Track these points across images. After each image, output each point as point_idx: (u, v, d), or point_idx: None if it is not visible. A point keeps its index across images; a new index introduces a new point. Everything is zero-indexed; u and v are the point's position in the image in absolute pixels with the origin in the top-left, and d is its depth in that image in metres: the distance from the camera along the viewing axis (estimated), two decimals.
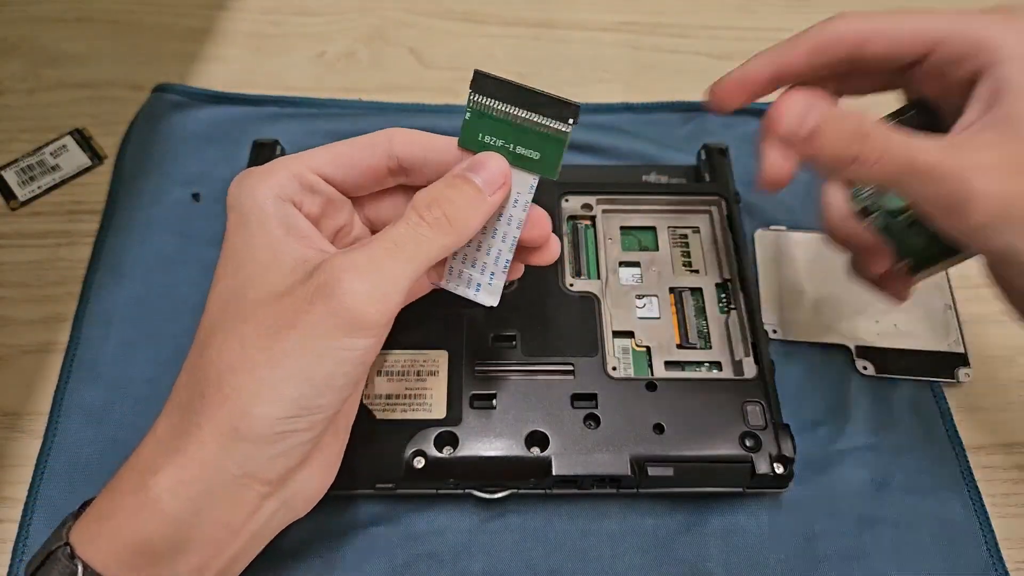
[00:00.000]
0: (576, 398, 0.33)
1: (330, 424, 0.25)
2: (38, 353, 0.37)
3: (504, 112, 0.26)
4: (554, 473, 0.31)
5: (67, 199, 0.42)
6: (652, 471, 0.31)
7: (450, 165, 0.26)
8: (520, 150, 0.26)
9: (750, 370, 0.34)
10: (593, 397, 0.33)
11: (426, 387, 0.33)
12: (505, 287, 0.28)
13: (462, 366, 0.33)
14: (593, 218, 0.38)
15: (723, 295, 0.36)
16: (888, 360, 0.37)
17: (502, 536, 0.33)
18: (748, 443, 0.31)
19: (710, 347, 0.35)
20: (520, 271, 0.30)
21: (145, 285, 0.39)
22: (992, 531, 0.34)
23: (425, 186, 0.26)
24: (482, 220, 0.26)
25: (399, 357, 0.33)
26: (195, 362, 0.25)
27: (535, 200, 0.27)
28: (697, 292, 0.37)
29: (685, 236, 0.38)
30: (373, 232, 0.30)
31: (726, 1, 0.53)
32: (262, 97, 0.46)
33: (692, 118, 0.46)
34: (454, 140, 0.27)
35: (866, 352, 0.38)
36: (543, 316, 0.35)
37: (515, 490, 0.33)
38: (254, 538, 0.25)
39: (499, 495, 0.33)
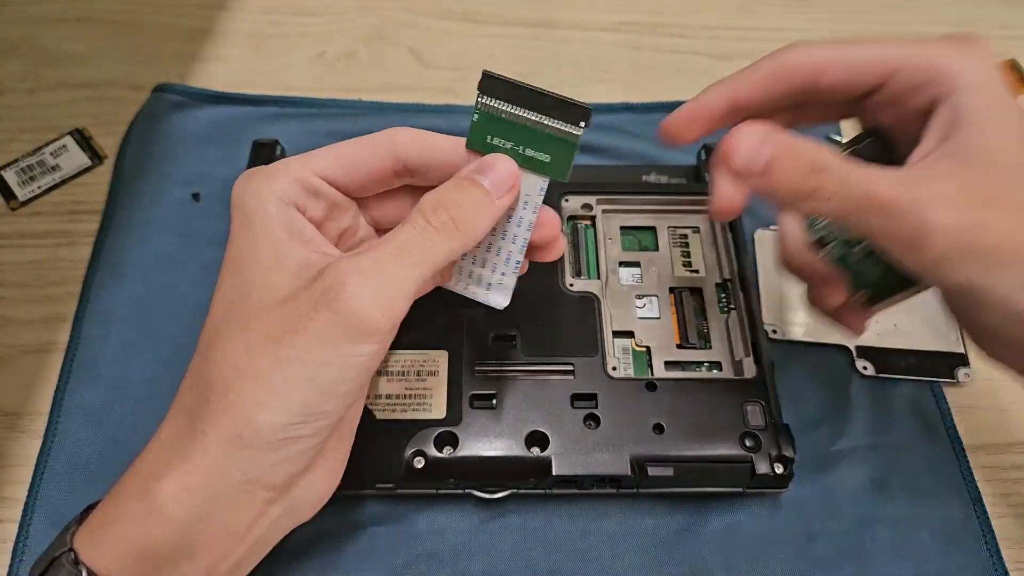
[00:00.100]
0: (576, 398, 0.33)
1: (335, 429, 0.25)
2: (38, 353, 0.37)
3: (513, 115, 0.25)
4: (554, 473, 0.31)
5: (67, 199, 0.42)
6: (652, 471, 0.31)
7: (457, 166, 0.26)
8: (530, 152, 0.26)
9: (750, 370, 0.34)
10: (593, 397, 0.33)
11: (426, 387, 0.33)
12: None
13: (462, 366, 0.33)
14: (593, 218, 0.38)
15: (723, 295, 0.36)
16: (888, 360, 0.37)
17: (502, 536, 0.33)
18: (748, 443, 0.31)
19: (710, 347, 0.35)
20: (525, 267, 0.30)
21: (145, 285, 0.39)
22: (992, 531, 0.34)
23: (432, 187, 0.26)
24: (490, 224, 0.25)
25: (399, 357, 0.33)
26: (199, 365, 0.24)
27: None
28: (697, 292, 0.37)
29: (685, 236, 0.38)
30: (379, 233, 0.30)
31: (726, 1, 0.53)
32: (262, 97, 0.46)
33: None
34: (460, 140, 0.26)
35: (866, 352, 0.38)
36: (543, 316, 0.35)
37: (515, 490, 0.33)
38: (259, 543, 0.25)
39: (499, 495, 0.33)
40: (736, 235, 0.37)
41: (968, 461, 0.35)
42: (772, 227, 0.41)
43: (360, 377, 0.24)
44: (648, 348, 0.35)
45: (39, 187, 0.42)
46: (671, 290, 0.37)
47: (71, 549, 0.23)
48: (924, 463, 0.35)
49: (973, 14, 0.52)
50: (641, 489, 0.32)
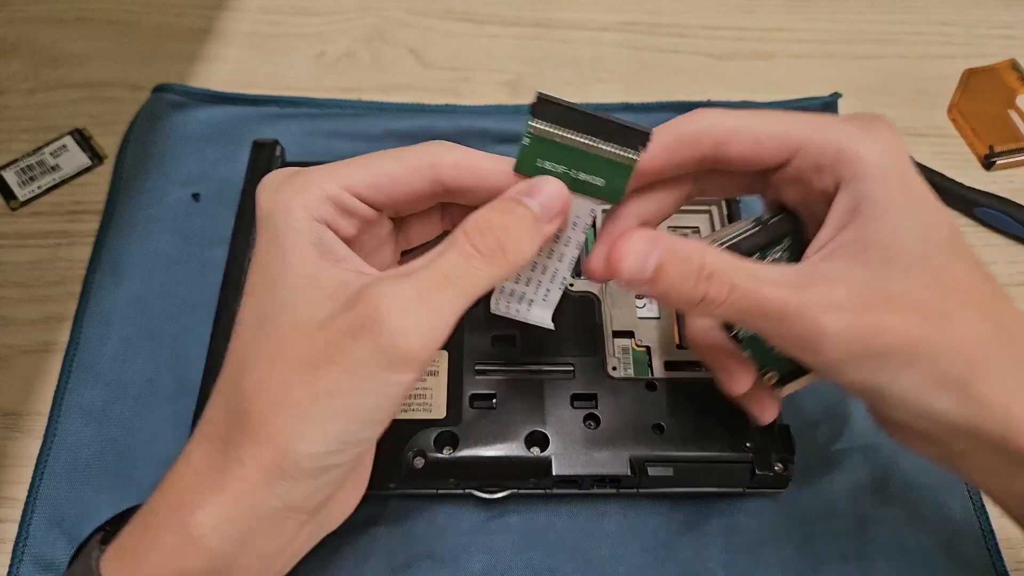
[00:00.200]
0: (576, 398, 0.33)
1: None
2: (38, 353, 0.37)
3: (568, 139, 0.24)
4: (554, 473, 0.31)
5: (67, 199, 0.42)
6: (652, 471, 0.31)
7: (501, 188, 0.25)
8: (583, 176, 0.24)
9: None
10: (593, 397, 0.33)
11: (426, 387, 0.33)
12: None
13: (462, 366, 0.33)
14: (593, 218, 0.38)
15: None
16: None
17: (502, 536, 0.33)
18: (748, 443, 0.31)
19: None
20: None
21: (145, 285, 0.39)
22: (992, 531, 0.34)
23: (469, 206, 0.25)
24: (536, 249, 0.24)
25: None
26: (231, 391, 0.23)
27: None
28: None
29: (685, 236, 0.38)
30: (404, 242, 0.29)
31: (726, 1, 0.53)
32: (262, 97, 0.46)
33: None
34: (506, 161, 0.25)
35: None
36: None
37: (515, 490, 0.33)
38: (289, 560, 0.25)
39: (499, 495, 0.33)
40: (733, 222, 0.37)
41: None
42: None
43: (397, 403, 0.23)
44: (648, 348, 0.35)
45: (39, 187, 0.42)
46: None
47: None
48: (924, 463, 0.35)
49: (973, 14, 0.52)
50: (641, 489, 0.32)
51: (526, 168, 0.24)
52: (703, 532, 0.33)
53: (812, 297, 0.23)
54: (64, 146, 0.44)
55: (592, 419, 0.32)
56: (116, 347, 0.37)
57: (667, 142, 0.25)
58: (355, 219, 0.25)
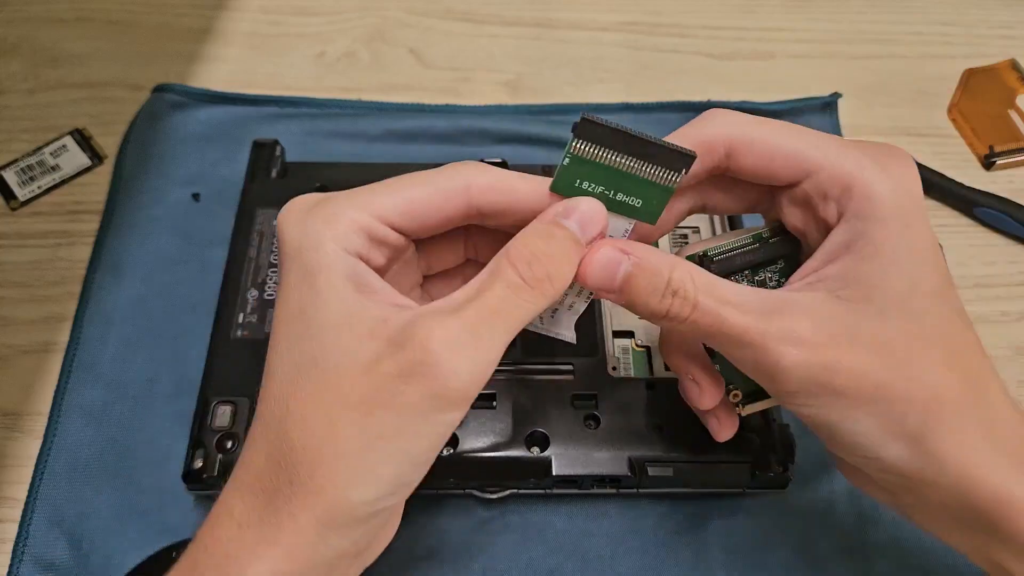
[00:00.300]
0: (576, 398, 0.33)
1: None
2: (38, 353, 0.37)
3: (610, 159, 0.23)
4: (554, 473, 0.31)
5: (67, 199, 0.42)
6: (652, 471, 0.31)
7: (537, 208, 0.24)
8: (621, 197, 0.24)
9: None
10: (593, 397, 0.33)
11: None
12: None
13: None
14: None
15: None
16: None
17: (502, 536, 0.33)
18: (748, 444, 0.31)
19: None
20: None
21: (145, 285, 0.39)
22: None
23: (501, 228, 0.24)
24: (575, 271, 0.23)
25: None
26: (274, 439, 0.22)
27: None
28: None
29: (685, 236, 0.38)
30: (422, 265, 0.28)
31: (726, 1, 0.53)
32: (262, 97, 0.46)
33: (692, 118, 0.46)
34: (541, 181, 0.24)
35: None
36: None
37: (515, 490, 0.33)
38: None
39: (499, 495, 0.33)
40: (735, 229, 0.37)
41: None
42: None
43: (445, 440, 0.22)
44: (648, 348, 0.35)
45: (39, 187, 0.42)
46: None
47: None
48: None
49: (973, 14, 0.52)
50: (641, 489, 0.32)
51: (563, 188, 0.24)
52: (703, 532, 0.33)
53: (773, 326, 0.22)
54: (64, 146, 0.44)
55: (592, 419, 0.32)
56: (116, 347, 0.37)
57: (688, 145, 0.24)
58: (386, 248, 0.24)
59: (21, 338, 0.38)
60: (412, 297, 0.26)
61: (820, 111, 0.47)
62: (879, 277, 0.23)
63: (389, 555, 0.32)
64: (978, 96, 0.47)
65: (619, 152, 0.23)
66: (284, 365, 0.22)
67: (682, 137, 0.25)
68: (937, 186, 0.44)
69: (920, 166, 0.44)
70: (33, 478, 0.34)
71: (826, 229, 0.24)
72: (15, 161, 0.43)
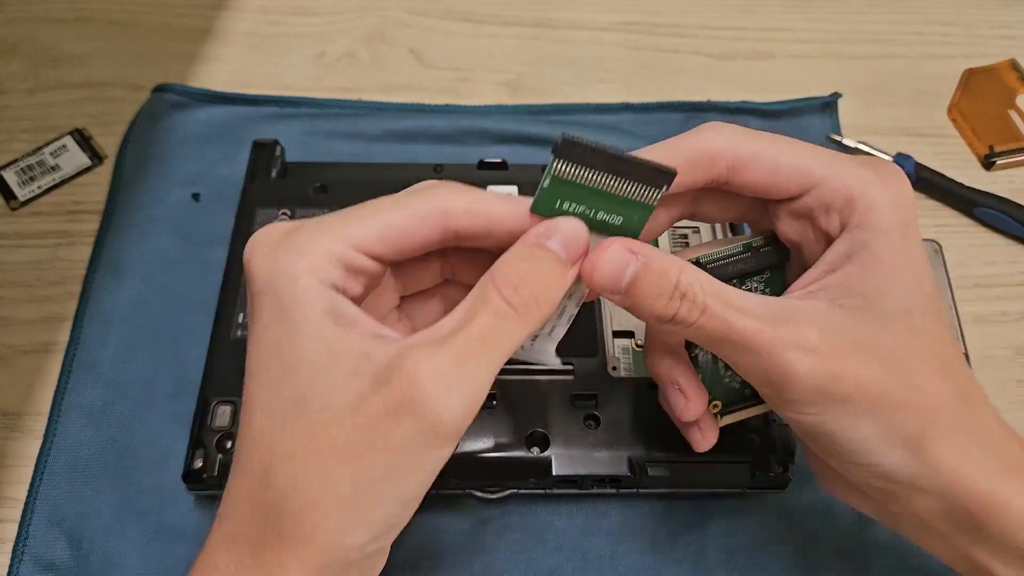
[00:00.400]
0: (576, 398, 0.33)
1: None
2: (38, 353, 0.37)
3: (592, 180, 0.23)
4: (554, 473, 0.31)
5: (67, 199, 0.42)
6: (652, 471, 0.31)
7: (517, 230, 0.23)
8: (601, 216, 0.24)
9: None
10: (593, 397, 0.33)
11: None
12: None
13: None
14: None
15: None
16: None
17: (502, 536, 0.33)
18: (748, 444, 0.31)
19: None
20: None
21: (145, 285, 0.39)
22: None
23: (478, 248, 0.24)
24: (562, 295, 0.23)
25: None
26: (258, 487, 0.21)
27: None
28: None
29: (685, 236, 0.38)
30: (398, 287, 0.27)
31: (726, 1, 0.53)
32: (262, 97, 0.46)
33: (692, 118, 0.46)
34: (518, 201, 0.23)
35: None
36: None
37: (515, 490, 0.33)
38: None
39: (499, 495, 0.33)
40: (736, 235, 0.37)
41: None
42: None
43: (435, 475, 0.22)
44: None
45: (39, 187, 0.42)
46: None
47: None
48: None
49: (973, 14, 0.52)
50: (641, 489, 0.32)
51: (544, 209, 0.23)
52: (703, 532, 0.33)
53: (784, 334, 0.22)
54: (64, 146, 0.44)
55: (592, 419, 0.32)
56: (116, 347, 0.37)
57: (679, 160, 0.24)
58: (363, 277, 0.23)
59: (21, 338, 0.38)
60: (389, 320, 0.26)
61: (820, 111, 0.47)
62: (880, 287, 0.23)
63: (389, 555, 0.32)
64: (978, 96, 0.47)
65: (600, 171, 0.23)
66: (264, 409, 0.21)
67: (679, 147, 0.24)
68: (937, 186, 0.44)
69: (920, 166, 0.44)
70: (33, 478, 0.34)
71: (826, 240, 0.24)
72: (15, 161, 0.43)
